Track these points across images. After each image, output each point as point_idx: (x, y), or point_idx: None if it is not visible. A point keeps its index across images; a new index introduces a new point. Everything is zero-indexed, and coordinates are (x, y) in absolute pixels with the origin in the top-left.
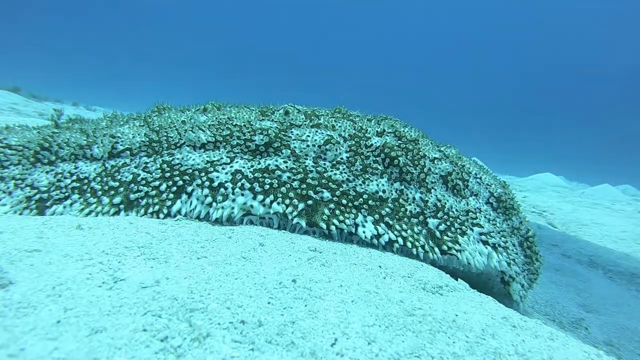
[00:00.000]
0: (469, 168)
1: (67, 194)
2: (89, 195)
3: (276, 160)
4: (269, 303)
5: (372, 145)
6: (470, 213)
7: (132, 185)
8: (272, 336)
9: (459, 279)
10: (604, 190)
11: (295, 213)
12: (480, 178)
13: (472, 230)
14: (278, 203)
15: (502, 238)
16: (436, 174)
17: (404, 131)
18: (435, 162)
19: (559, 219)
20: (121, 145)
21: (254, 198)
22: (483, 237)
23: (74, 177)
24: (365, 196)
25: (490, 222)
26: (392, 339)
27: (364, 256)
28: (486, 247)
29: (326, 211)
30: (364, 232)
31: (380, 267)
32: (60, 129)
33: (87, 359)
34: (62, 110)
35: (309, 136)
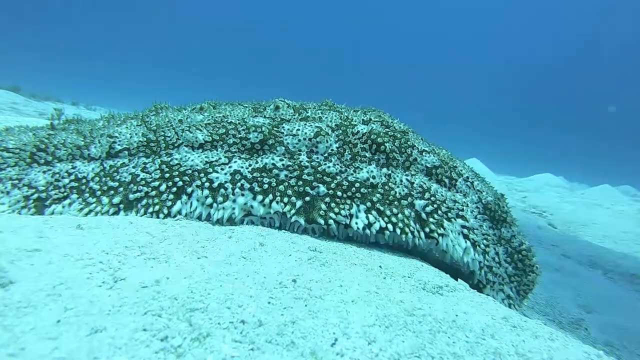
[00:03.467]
0: (461, 170)
1: (65, 193)
2: (87, 195)
3: (272, 159)
4: (269, 303)
5: (358, 132)
6: (457, 204)
7: (132, 185)
8: (272, 336)
9: (459, 279)
10: (604, 190)
11: (293, 211)
12: (472, 183)
13: (456, 220)
14: (277, 202)
15: (484, 240)
16: (421, 164)
17: (391, 122)
18: (424, 154)
19: (559, 220)
20: (119, 145)
21: (254, 198)
22: (465, 231)
23: (72, 177)
24: (357, 184)
25: (477, 219)
26: (392, 339)
27: (364, 256)
28: (466, 241)
29: (323, 206)
30: (356, 223)
31: (380, 267)
32: (56, 130)
33: (87, 359)
34: (62, 109)
35: (299, 130)
